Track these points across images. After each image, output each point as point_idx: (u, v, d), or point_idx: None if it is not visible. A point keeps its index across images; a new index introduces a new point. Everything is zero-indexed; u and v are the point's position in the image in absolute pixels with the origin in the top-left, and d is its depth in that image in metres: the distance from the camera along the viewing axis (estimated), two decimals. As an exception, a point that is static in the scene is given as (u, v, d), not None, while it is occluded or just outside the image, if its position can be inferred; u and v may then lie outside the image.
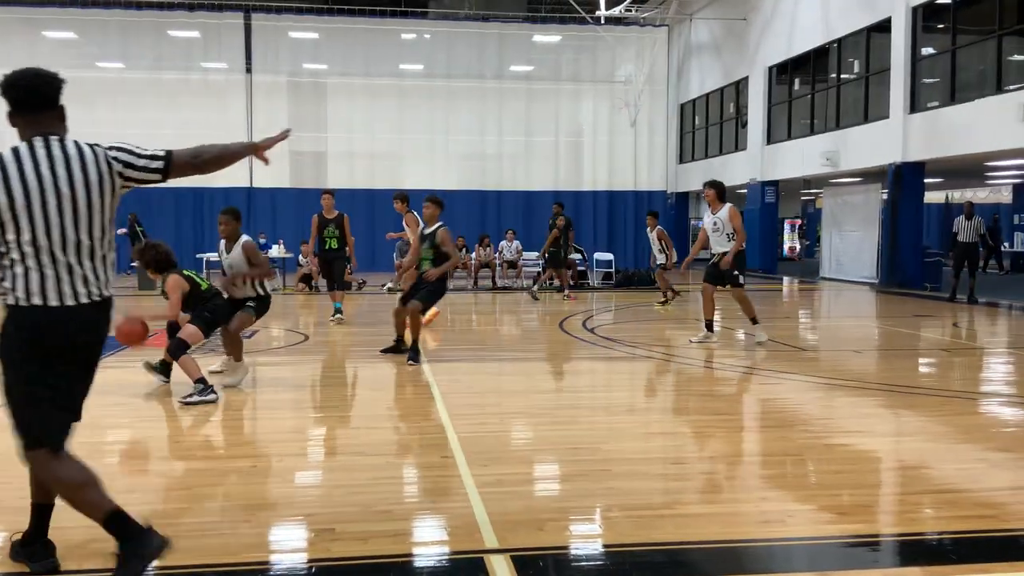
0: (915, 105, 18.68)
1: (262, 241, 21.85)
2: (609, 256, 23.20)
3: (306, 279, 18.79)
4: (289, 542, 3.97)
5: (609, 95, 29.01)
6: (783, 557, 3.80)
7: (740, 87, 26.61)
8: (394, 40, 27.55)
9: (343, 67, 27.35)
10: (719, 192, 10.41)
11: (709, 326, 10.43)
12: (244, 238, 7.81)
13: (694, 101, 29.81)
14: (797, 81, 24.49)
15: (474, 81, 27.93)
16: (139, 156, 3.34)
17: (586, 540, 4.03)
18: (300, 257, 19.04)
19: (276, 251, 20.06)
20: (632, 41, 28.95)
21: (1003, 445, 5.66)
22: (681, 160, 30.82)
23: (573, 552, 3.84)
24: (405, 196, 12.28)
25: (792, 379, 8.27)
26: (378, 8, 26.44)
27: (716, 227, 10.24)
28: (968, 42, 17.81)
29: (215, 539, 3.89)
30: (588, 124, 29.33)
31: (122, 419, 6.39)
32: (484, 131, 28.21)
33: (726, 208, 10.20)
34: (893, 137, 19.01)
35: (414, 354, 8.71)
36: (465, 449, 5.38)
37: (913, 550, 3.89)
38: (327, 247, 12.86)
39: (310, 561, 3.69)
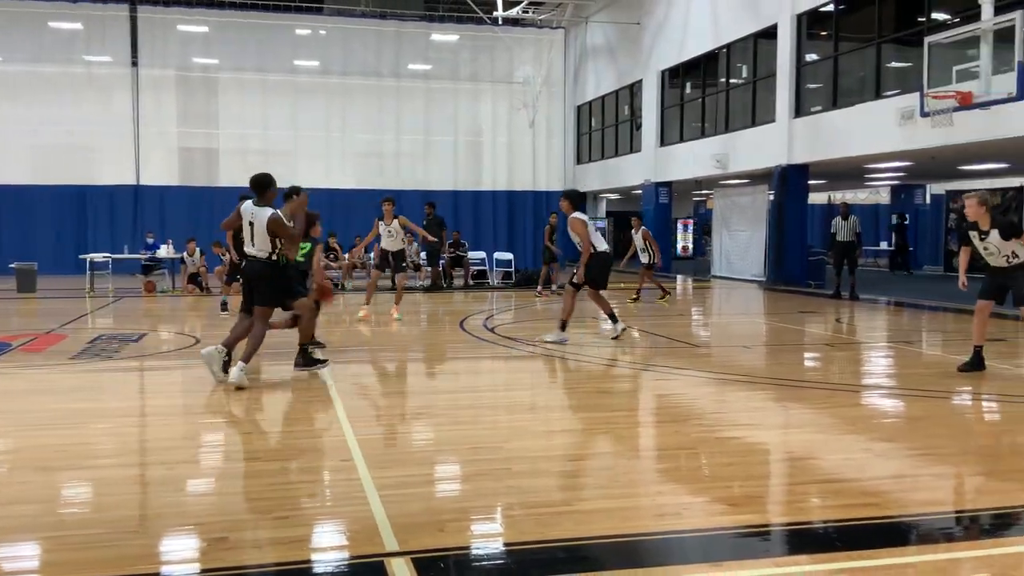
0: (800, 109, 19.45)
1: (150, 241, 21.04)
2: (508, 256, 23.32)
3: (194, 279, 18.18)
4: (180, 552, 3.83)
5: (508, 96, 29.16)
6: (678, 549, 3.89)
7: (634, 90, 27.17)
8: (288, 36, 26.99)
9: (235, 62, 26.61)
10: (571, 201, 10.44)
11: (563, 326, 10.34)
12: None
13: (590, 103, 30.28)
14: (689, 85, 25.16)
15: (371, 79, 27.63)
16: None
17: (487, 539, 4.03)
18: (185, 255, 18.38)
19: (164, 251, 19.33)
20: (530, 42, 29.18)
21: (885, 436, 5.94)
22: (579, 161, 31.27)
23: (474, 552, 3.83)
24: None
25: (686, 375, 8.48)
26: (271, 2, 25.85)
27: (573, 236, 10.38)
28: (849, 49, 18.65)
29: (102, 551, 3.72)
30: (487, 124, 29.41)
31: (5, 426, 6.06)
32: (382, 129, 27.95)
33: (571, 217, 10.21)
34: (779, 140, 19.74)
35: (303, 358, 8.24)
36: (365, 452, 5.31)
37: (801, 539, 4.03)
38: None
39: (203, 571, 3.57)
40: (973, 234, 8.17)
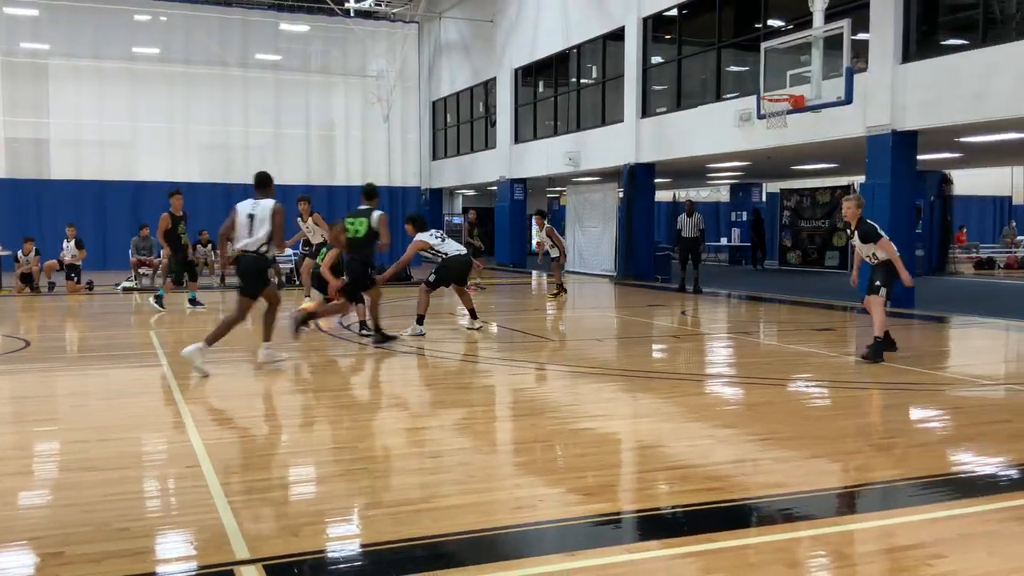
0: (646, 110, 20.12)
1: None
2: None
3: (26, 279, 17.02)
4: (12, 570, 3.56)
5: (361, 89, 28.75)
6: (535, 541, 3.94)
7: (489, 87, 27.36)
8: (126, 21, 25.64)
9: (68, 48, 25.07)
10: (414, 224, 11.25)
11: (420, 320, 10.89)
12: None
13: (445, 99, 30.27)
14: (541, 84, 25.57)
15: (216, 68, 26.64)
16: None
17: (343, 541, 3.96)
18: (20, 254, 17.22)
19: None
20: (383, 36, 28.87)
21: (727, 422, 6.23)
22: (435, 157, 31.21)
23: (330, 555, 3.75)
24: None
25: (541, 368, 8.61)
26: (107, -14, 24.51)
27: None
28: (692, 53, 19.43)
29: (-85, 577, 3.42)
30: (340, 118, 28.91)
31: None
32: (228, 121, 26.99)
33: (414, 239, 11.08)
34: (627, 140, 20.36)
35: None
36: (213, 457, 5.10)
37: (652, 525, 4.17)
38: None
39: (34, 591, 3.33)
40: (846, 233, 9.10)
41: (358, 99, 28.81)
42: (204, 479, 4.69)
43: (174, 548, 3.84)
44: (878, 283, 8.79)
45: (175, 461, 5.17)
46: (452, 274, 11.06)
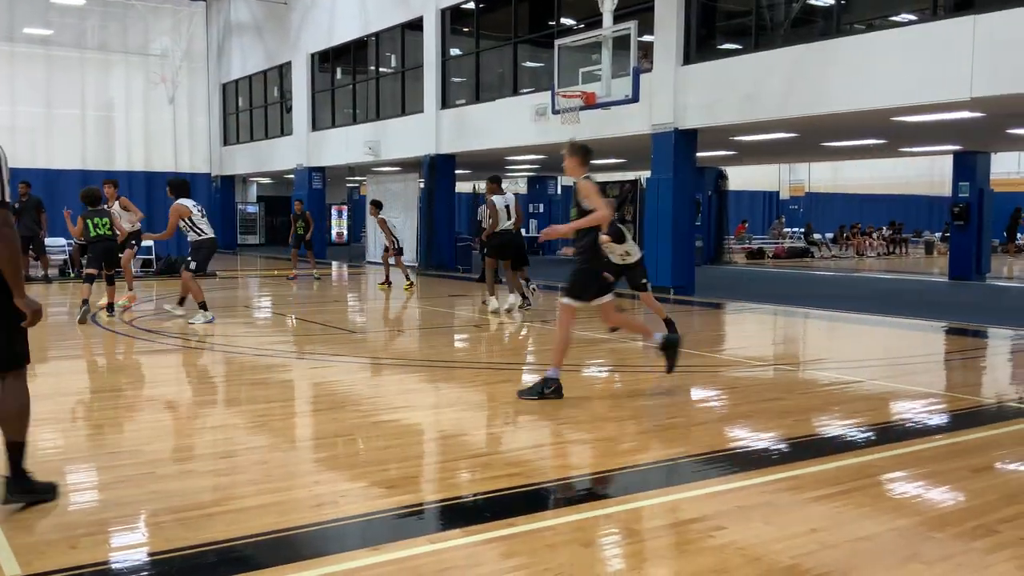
0: (446, 101, 20.23)
1: None
2: (147, 243, 21.65)
3: None
4: None
5: (143, 68, 27.01)
6: (337, 537, 3.87)
7: (284, 71, 26.52)
8: None
9: None
10: (173, 189, 11.09)
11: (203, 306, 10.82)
12: None
13: (237, 82, 29.05)
14: (339, 70, 25.09)
15: (-23, 41, 24.16)
16: None
17: (128, 551, 3.71)
18: None
19: None
20: (167, 13, 27.24)
21: (525, 409, 6.38)
22: (226, 142, 29.88)
23: (114, 566, 3.51)
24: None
25: (342, 361, 8.48)
26: None
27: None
28: (489, 47, 19.73)
29: None
30: (120, 98, 27.02)
31: None
32: (-9, 100, 24.57)
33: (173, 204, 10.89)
34: (427, 130, 20.40)
35: None
36: (-25, 467, 4.63)
37: (455, 514, 4.21)
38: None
39: None
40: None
41: (140, 79, 27.05)
42: (-35, 493, 4.25)
43: (-71, 572, 3.46)
44: (644, 280, 9.41)
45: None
46: (203, 258, 10.86)
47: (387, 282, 16.39)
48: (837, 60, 12.40)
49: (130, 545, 3.78)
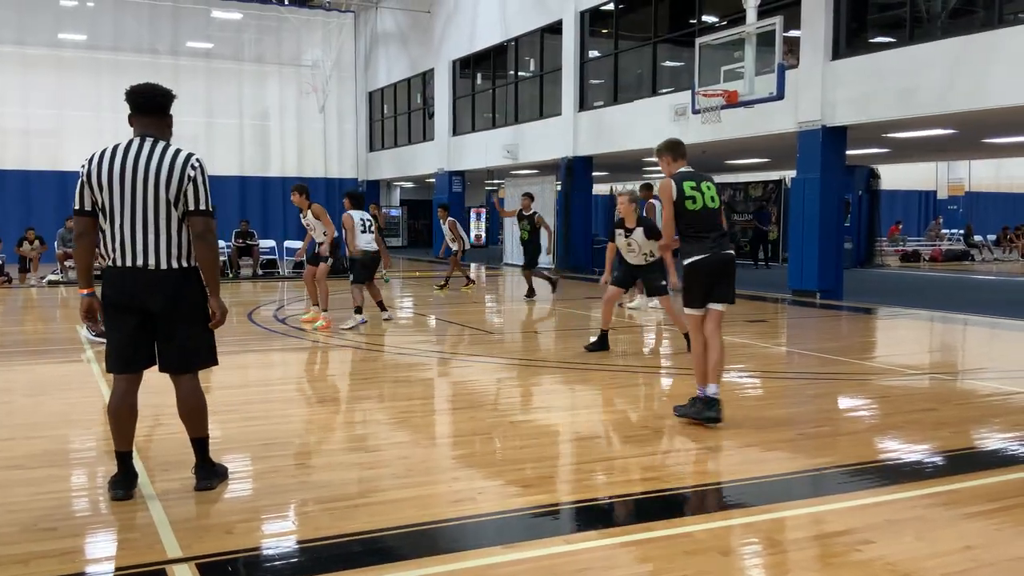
0: (584, 104, 20.23)
1: None
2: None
3: None
4: (-73, 577, 3.43)
5: (296, 79, 28.32)
6: (474, 533, 3.94)
7: (427, 78, 27.20)
8: (51, 6, 24.82)
9: (-10, 33, 24.18)
10: (352, 202, 11.10)
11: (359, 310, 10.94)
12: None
13: (383, 90, 30.00)
14: (480, 76, 25.51)
15: (146, 55, 25.94)
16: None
17: (279, 538, 3.90)
18: None
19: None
20: (318, 25, 28.47)
21: (660, 412, 6.30)
22: (371, 148, 30.92)
23: (265, 552, 3.70)
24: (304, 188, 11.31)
25: (481, 361, 8.62)
26: (31, -30, 23.69)
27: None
28: (628, 47, 19.59)
29: None
30: (275, 108, 28.44)
31: None
32: (159, 111, 26.31)
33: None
34: (565, 133, 20.45)
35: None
36: (144, 454, 4.99)
37: (590, 515, 4.21)
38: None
39: (-46, 596, 3.22)
40: (620, 231, 8.99)
41: (293, 89, 28.38)
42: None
43: (104, 547, 3.74)
44: (664, 283, 8.92)
45: (104, 459, 5.03)
46: (366, 269, 11.03)
47: (469, 281, 16.73)
48: (1000, 51, 11.63)
49: (281, 532, 3.97)
